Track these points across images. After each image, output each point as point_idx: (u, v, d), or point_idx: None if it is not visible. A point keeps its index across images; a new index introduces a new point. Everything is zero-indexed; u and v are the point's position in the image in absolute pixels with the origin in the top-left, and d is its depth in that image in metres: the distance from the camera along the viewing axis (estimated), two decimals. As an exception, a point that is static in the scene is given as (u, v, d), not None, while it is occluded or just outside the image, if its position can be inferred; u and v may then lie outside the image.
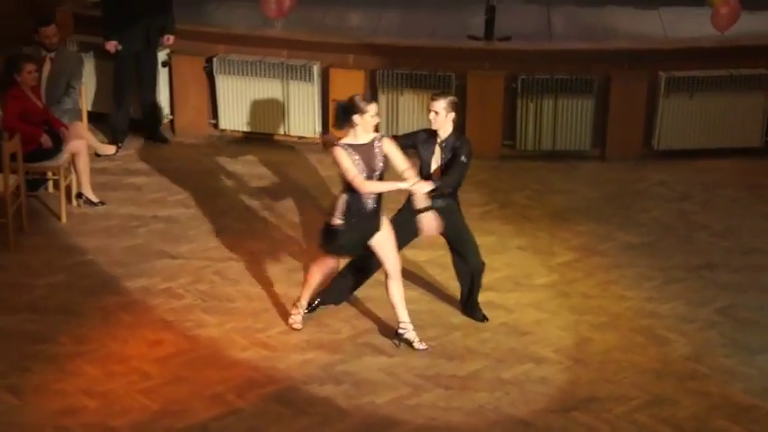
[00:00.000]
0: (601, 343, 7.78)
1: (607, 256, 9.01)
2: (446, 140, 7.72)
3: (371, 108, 7.36)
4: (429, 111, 7.71)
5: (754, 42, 11.14)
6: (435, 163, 7.73)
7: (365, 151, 7.33)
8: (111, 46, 10.70)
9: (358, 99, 7.35)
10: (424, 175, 7.69)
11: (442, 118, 7.67)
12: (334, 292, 8.11)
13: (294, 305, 7.93)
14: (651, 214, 9.75)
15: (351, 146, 7.33)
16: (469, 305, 8.06)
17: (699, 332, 7.92)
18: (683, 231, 9.45)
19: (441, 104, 7.66)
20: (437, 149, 7.72)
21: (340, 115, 7.35)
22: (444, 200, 7.69)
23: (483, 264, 7.93)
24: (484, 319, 8.02)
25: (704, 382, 7.34)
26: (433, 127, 7.70)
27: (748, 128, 10.87)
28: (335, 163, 7.34)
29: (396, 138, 7.70)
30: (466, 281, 8.01)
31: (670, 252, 9.09)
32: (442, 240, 7.82)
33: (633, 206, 9.95)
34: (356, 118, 7.31)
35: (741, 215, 9.75)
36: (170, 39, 10.93)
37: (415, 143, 7.78)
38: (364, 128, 7.35)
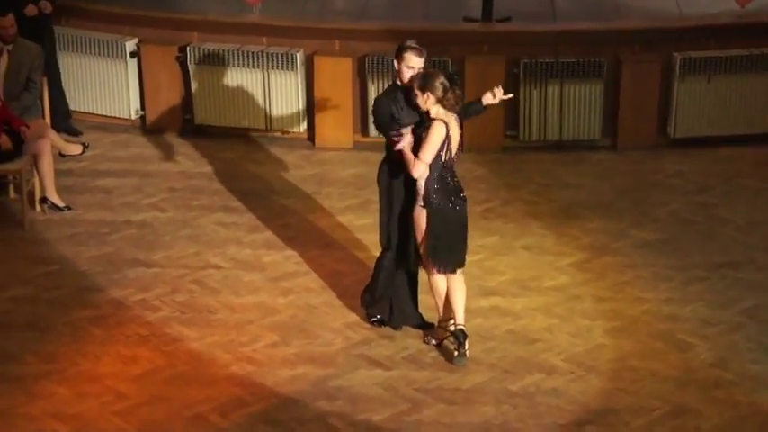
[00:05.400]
0: (616, 350, 7.83)
1: (620, 255, 9.06)
2: None
3: None
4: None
5: (777, 18, 11.22)
6: None
7: None
8: (32, 9, 10.64)
9: None
10: None
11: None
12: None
13: None
14: (668, 208, 9.82)
15: None
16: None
17: (722, 336, 7.97)
18: (703, 226, 9.50)
19: None
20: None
21: None
22: None
23: None
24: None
25: (730, 390, 7.38)
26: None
27: (772, 112, 10.95)
28: None
29: None
30: None
31: (689, 249, 9.14)
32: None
33: (648, 200, 10.01)
34: None
35: (765, 208, 9.81)
36: (47, 6, 10.79)
37: None
38: None
